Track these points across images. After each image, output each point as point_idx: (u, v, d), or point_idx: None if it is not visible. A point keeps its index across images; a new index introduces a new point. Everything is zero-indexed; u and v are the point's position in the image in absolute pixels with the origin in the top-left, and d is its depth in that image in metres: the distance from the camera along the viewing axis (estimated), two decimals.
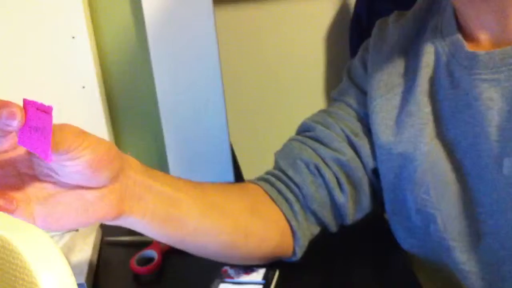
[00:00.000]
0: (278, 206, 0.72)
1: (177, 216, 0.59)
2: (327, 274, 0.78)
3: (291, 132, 0.80)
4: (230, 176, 1.08)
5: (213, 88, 1.01)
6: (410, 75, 0.68)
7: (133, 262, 0.82)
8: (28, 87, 0.97)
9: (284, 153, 0.76)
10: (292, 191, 0.72)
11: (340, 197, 0.72)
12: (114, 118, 1.05)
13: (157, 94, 1.01)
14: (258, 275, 0.74)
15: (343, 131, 0.73)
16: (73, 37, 0.95)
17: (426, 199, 0.64)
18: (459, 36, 0.63)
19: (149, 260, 0.83)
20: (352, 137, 0.72)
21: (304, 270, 0.79)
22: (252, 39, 1.94)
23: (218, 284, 0.74)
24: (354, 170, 0.72)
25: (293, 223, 0.72)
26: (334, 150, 0.72)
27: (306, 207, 0.72)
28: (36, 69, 0.96)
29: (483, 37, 0.62)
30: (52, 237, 0.79)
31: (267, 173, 0.76)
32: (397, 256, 0.80)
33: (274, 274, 0.75)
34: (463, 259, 0.63)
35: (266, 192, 0.72)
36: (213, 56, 0.99)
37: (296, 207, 0.72)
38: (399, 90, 0.69)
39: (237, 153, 1.18)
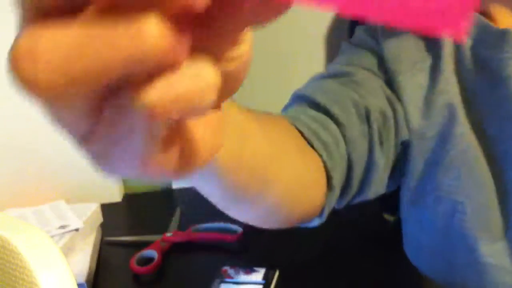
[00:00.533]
0: (319, 153, 0.56)
1: (251, 152, 0.44)
2: (327, 274, 0.78)
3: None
4: None
5: None
6: (431, 52, 0.64)
7: (133, 262, 0.82)
8: None
9: (320, 89, 0.60)
10: (331, 135, 0.57)
11: (379, 157, 0.59)
12: None
13: None
14: (258, 275, 0.74)
15: (381, 87, 0.61)
16: None
17: (455, 185, 0.61)
18: (479, 15, 0.61)
19: (149, 260, 0.83)
20: (391, 96, 0.61)
21: (304, 270, 0.79)
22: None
23: (218, 284, 0.74)
24: (389, 133, 0.60)
25: (333, 173, 0.56)
26: (380, 100, 0.60)
27: (345, 157, 0.58)
28: None
29: (503, 15, 0.61)
30: (52, 237, 0.79)
31: (297, 107, 0.60)
32: (400, 256, 0.80)
33: (274, 274, 0.75)
34: (489, 251, 0.60)
35: (301, 134, 0.56)
36: None
37: (336, 155, 0.57)
38: (422, 66, 0.63)
39: None
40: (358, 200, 0.63)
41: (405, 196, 0.66)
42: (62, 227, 0.87)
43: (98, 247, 0.89)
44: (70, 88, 0.17)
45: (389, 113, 0.60)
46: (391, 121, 0.60)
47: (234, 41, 0.21)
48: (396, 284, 0.76)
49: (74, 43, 0.16)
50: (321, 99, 0.59)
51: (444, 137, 0.61)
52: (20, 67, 0.17)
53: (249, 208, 0.50)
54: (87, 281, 0.78)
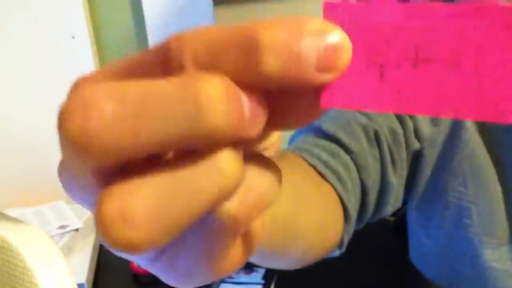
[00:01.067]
0: (332, 186, 0.55)
1: (281, 208, 0.43)
2: (327, 274, 0.78)
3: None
4: None
5: None
6: None
7: (133, 262, 0.82)
8: (28, 87, 0.97)
9: (325, 115, 0.59)
10: (342, 163, 0.57)
11: (392, 177, 0.59)
12: None
13: None
14: (258, 275, 0.74)
15: None
16: (73, 37, 0.95)
17: (462, 191, 0.61)
18: None
19: None
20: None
21: (303, 270, 0.78)
22: None
23: (218, 284, 0.74)
24: (400, 149, 0.60)
25: (349, 206, 0.56)
26: (388, 119, 0.60)
27: (358, 183, 0.58)
28: (36, 69, 0.96)
29: None
30: (52, 237, 0.79)
31: (305, 138, 0.59)
32: (400, 256, 0.80)
33: (274, 274, 0.75)
34: (493, 256, 0.61)
35: (313, 167, 0.55)
36: None
37: (349, 185, 0.56)
38: None
39: None
40: (376, 218, 0.63)
41: (412, 203, 0.66)
42: (62, 227, 0.87)
43: (98, 247, 0.89)
44: (165, 238, 0.17)
45: (399, 129, 0.60)
46: (401, 136, 0.60)
47: (268, 136, 0.22)
48: (397, 284, 0.76)
49: (161, 197, 0.17)
50: (327, 126, 0.58)
51: (451, 142, 0.61)
52: (114, 232, 0.16)
53: (281, 260, 0.50)
54: (87, 281, 0.78)
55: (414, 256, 0.70)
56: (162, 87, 0.16)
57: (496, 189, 0.60)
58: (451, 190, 0.61)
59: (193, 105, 0.16)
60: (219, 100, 0.16)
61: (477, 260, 0.61)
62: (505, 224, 0.60)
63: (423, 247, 0.68)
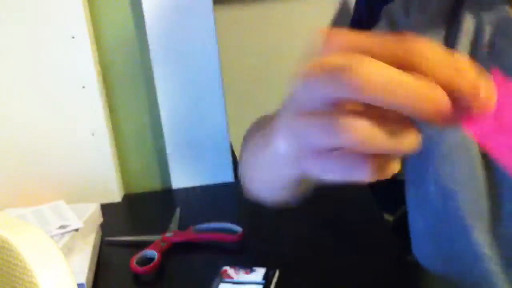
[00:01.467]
0: None
1: None
2: (326, 273, 0.78)
3: None
4: (230, 176, 1.08)
5: (213, 88, 1.01)
6: (449, 42, 0.65)
7: (133, 262, 0.82)
8: (28, 87, 0.97)
9: None
10: None
11: None
12: (114, 119, 1.05)
13: (157, 94, 1.01)
14: (258, 275, 0.74)
15: None
16: (73, 37, 0.95)
17: (449, 174, 0.63)
18: (506, 7, 0.61)
19: (149, 260, 0.83)
20: None
21: (304, 270, 0.79)
22: (252, 39, 1.93)
23: (218, 284, 0.74)
24: None
25: None
26: None
27: None
28: (36, 69, 0.96)
29: None
30: (52, 237, 0.79)
31: None
32: (399, 255, 0.80)
33: (274, 274, 0.75)
34: (481, 241, 0.62)
35: None
36: (213, 56, 0.99)
37: None
38: None
39: (237, 153, 1.18)
40: None
41: (409, 176, 0.68)
42: (62, 227, 0.87)
43: (98, 247, 0.89)
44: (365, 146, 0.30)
45: None
46: None
47: None
48: (396, 284, 0.76)
49: (369, 131, 0.30)
50: None
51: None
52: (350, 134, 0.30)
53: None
54: (87, 281, 0.78)
55: (413, 240, 0.71)
56: (406, 80, 0.28)
57: (482, 173, 0.61)
58: (441, 172, 0.63)
59: (420, 96, 0.29)
60: (431, 98, 0.29)
61: (466, 243, 0.63)
62: (490, 210, 0.61)
63: (418, 228, 0.69)
